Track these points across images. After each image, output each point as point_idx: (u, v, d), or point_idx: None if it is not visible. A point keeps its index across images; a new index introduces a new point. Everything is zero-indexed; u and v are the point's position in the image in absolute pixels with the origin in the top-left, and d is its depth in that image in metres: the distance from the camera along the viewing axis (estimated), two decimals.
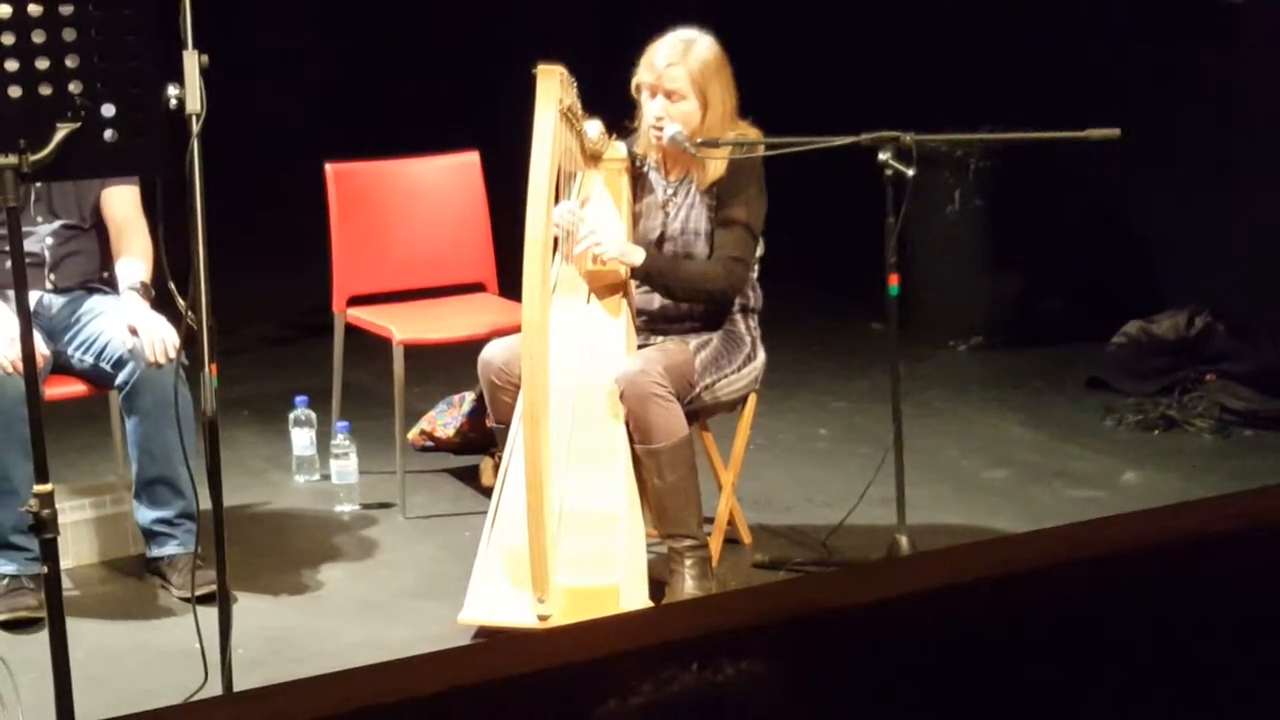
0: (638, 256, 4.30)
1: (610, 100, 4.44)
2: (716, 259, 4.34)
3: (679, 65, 4.29)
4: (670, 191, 4.45)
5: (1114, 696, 1.57)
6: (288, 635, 4.20)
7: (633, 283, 4.40)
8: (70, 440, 5.33)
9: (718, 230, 4.36)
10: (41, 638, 3.38)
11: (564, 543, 4.04)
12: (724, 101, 4.34)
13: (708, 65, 4.31)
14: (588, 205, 4.40)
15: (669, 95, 4.31)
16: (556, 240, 4.32)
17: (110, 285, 4.52)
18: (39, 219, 4.44)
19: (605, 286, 4.39)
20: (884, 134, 4.21)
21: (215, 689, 3.49)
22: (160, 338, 4.25)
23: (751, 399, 4.51)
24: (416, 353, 5.12)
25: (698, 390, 4.30)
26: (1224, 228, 6.35)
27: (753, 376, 4.45)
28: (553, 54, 4.06)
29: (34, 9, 3.11)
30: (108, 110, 3.16)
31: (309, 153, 5.45)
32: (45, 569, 3.17)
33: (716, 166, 4.36)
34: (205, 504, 3.60)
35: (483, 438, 5.14)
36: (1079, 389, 6.11)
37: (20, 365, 3.32)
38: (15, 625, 4.19)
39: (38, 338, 3.92)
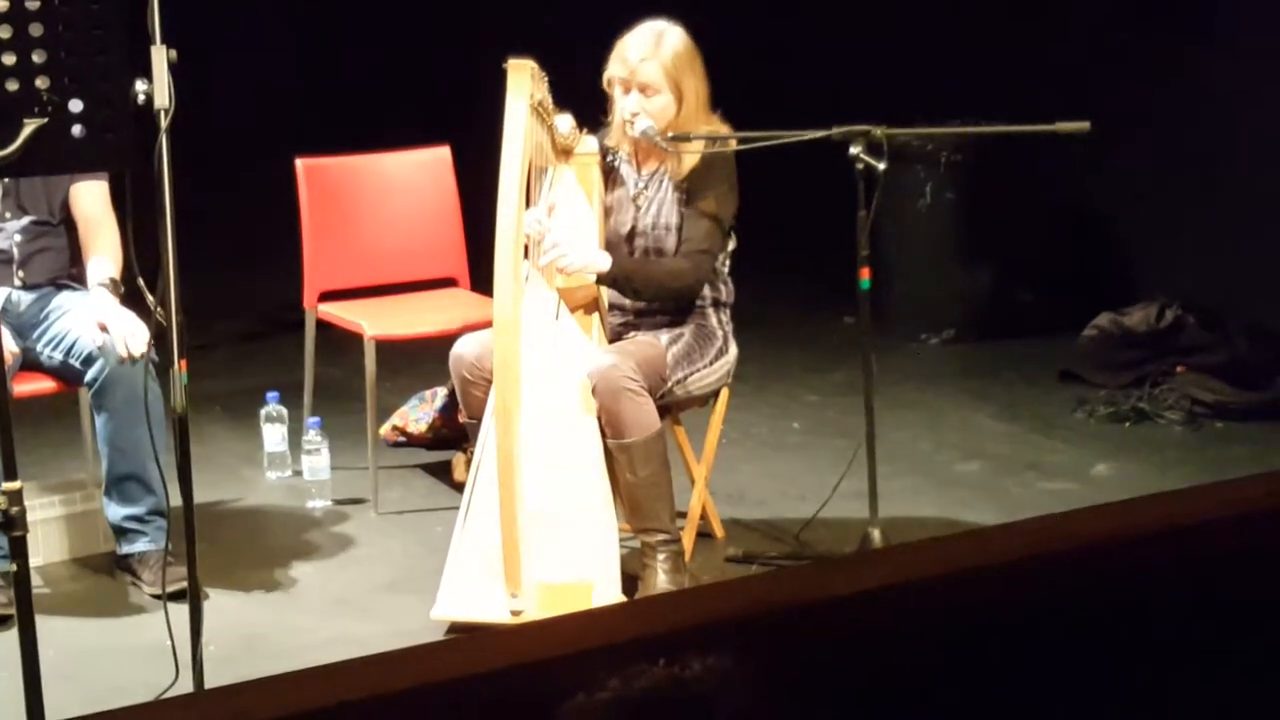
0: (604, 263, 4.27)
1: (582, 96, 4.43)
2: (684, 253, 4.33)
3: (651, 60, 4.28)
4: (642, 185, 4.44)
5: (1089, 687, 1.57)
6: (260, 632, 4.18)
7: None
8: (40, 437, 5.30)
9: (686, 222, 4.35)
10: (11, 636, 3.36)
11: (536, 538, 4.03)
12: (697, 93, 4.33)
13: (680, 57, 4.30)
14: (555, 214, 4.37)
15: (643, 90, 4.29)
16: (529, 238, 4.31)
17: (79, 281, 4.50)
18: (7, 215, 4.41)
19: (577, 283, 4.38)
20: (855, 128, 4.21)
21: (186, 686, 3.48)
22: (130, 334, 4.23)
23: (724, 393, 4.50)
24: (388, 348, 5.11)
25: (670, 384, 4.29)
26: (1194, 220, 6.37)
27: (725, 370, 4.45)
28: (524, 48, 4.05)
29: (0, 4, 3.09)
30: (75, 106, 3.14)
31: (279, 147, 5.43)
32: (14, 566, 3.15)
33: (692, 157, 4.36)
34: (176, 500, 3.59)
35: (455, 433, 5.13)
36: (1051, 381, 6.12)
37: None
38: None
39: (6, 334, 3.89)
